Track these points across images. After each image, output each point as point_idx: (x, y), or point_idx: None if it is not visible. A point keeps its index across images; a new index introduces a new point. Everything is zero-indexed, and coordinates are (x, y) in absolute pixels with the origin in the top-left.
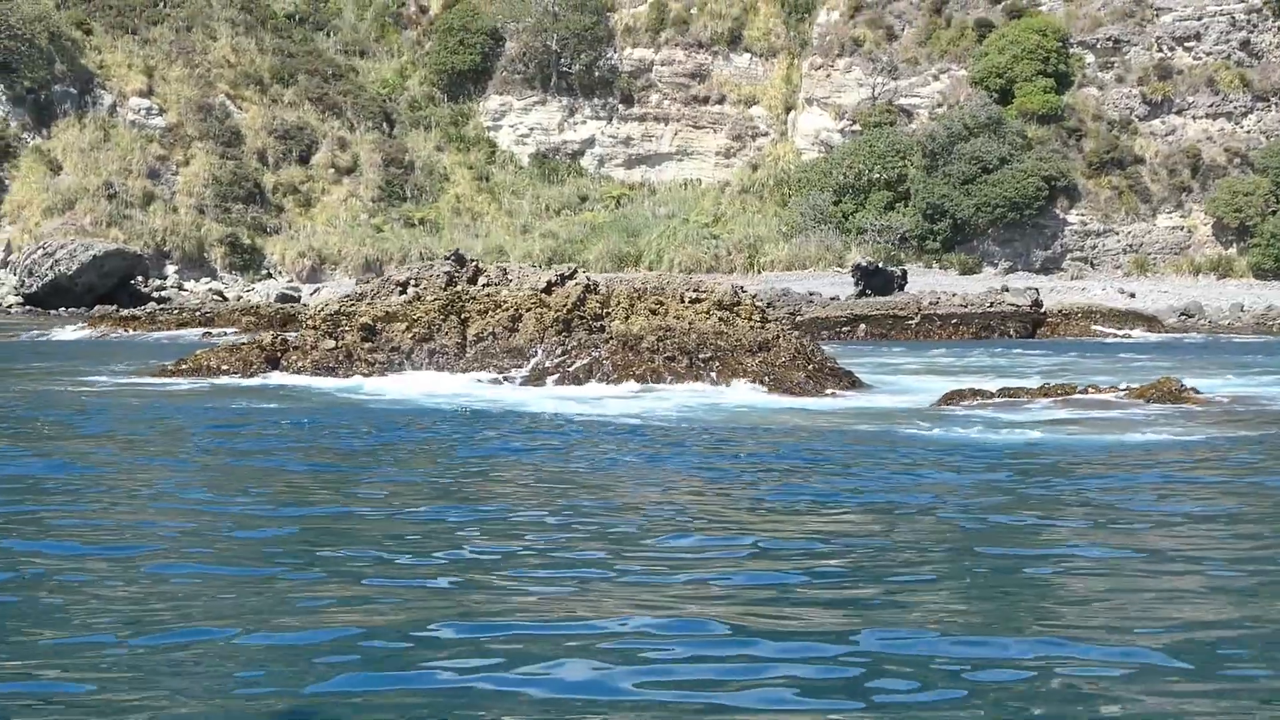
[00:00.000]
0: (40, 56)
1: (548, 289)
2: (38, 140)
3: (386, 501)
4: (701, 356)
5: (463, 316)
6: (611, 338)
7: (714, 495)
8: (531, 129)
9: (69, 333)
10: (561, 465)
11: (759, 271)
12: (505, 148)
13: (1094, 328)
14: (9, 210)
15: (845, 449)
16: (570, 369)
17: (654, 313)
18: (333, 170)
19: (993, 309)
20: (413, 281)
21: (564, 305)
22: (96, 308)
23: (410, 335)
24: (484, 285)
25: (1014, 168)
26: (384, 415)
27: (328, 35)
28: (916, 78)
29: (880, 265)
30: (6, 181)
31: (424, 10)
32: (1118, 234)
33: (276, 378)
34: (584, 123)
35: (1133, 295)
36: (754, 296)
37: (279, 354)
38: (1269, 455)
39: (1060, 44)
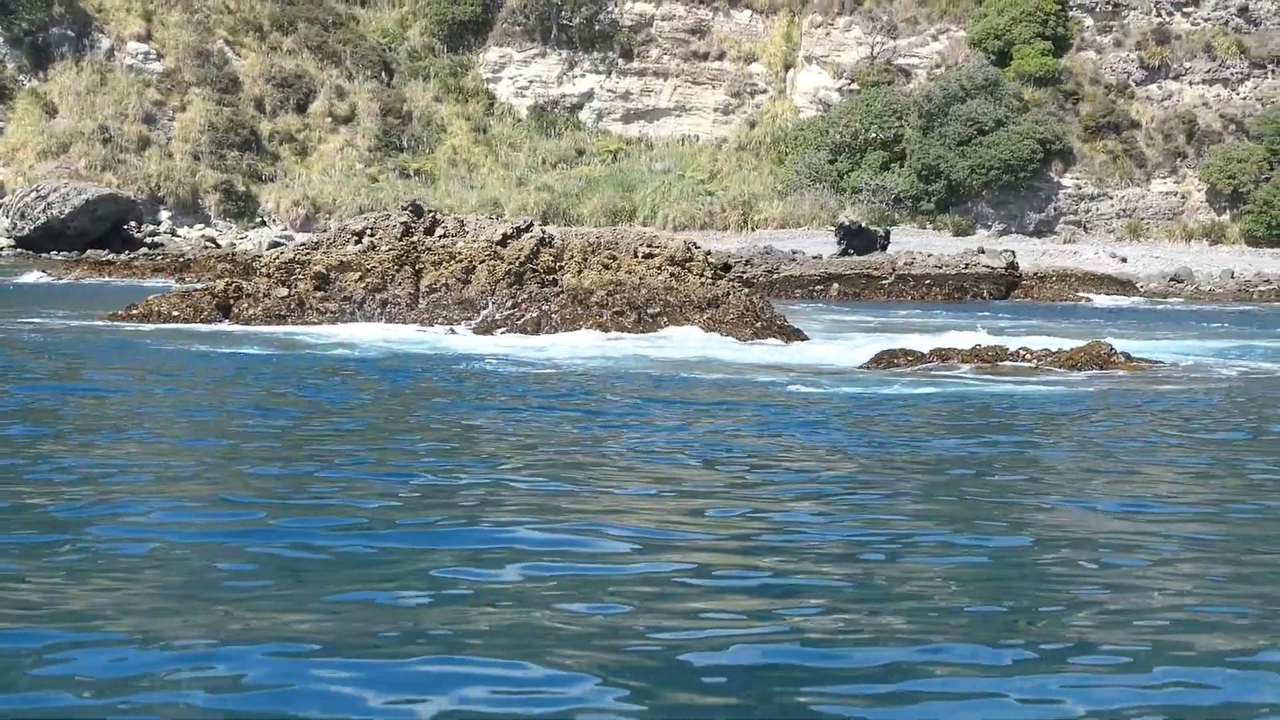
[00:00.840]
0: None
1: (503, 241)
2: (34, 83)
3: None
4: (650, 311)
5: (417, 268)
6: (562, 291)
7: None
8: (530, 82)
9: (33, 277)
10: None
11: (753, 229)
12: (504, 100)
13: (1070, 291)
14: (3, 152)
15: (724, 397)
16: (519, 321)
17: (606, 267)
18: (330, 119)
19: (968, 270)
20: (368, 231)
21: (516, 258)
22: (75, 253)
23: (363, 285)
24: (440, 237)
25: (1009, 130)
26: (322, 361)
27: None
28: (915, 38)
29: (863, 225)
30: (1, 124)
31: None
32: (1111, 198)
33: (226, 326)
34: (583, 76)
35: (1124, 260)
36: (708, 253)
37: (231, 301)
38: (1137, 416)
39: (1059, 6)
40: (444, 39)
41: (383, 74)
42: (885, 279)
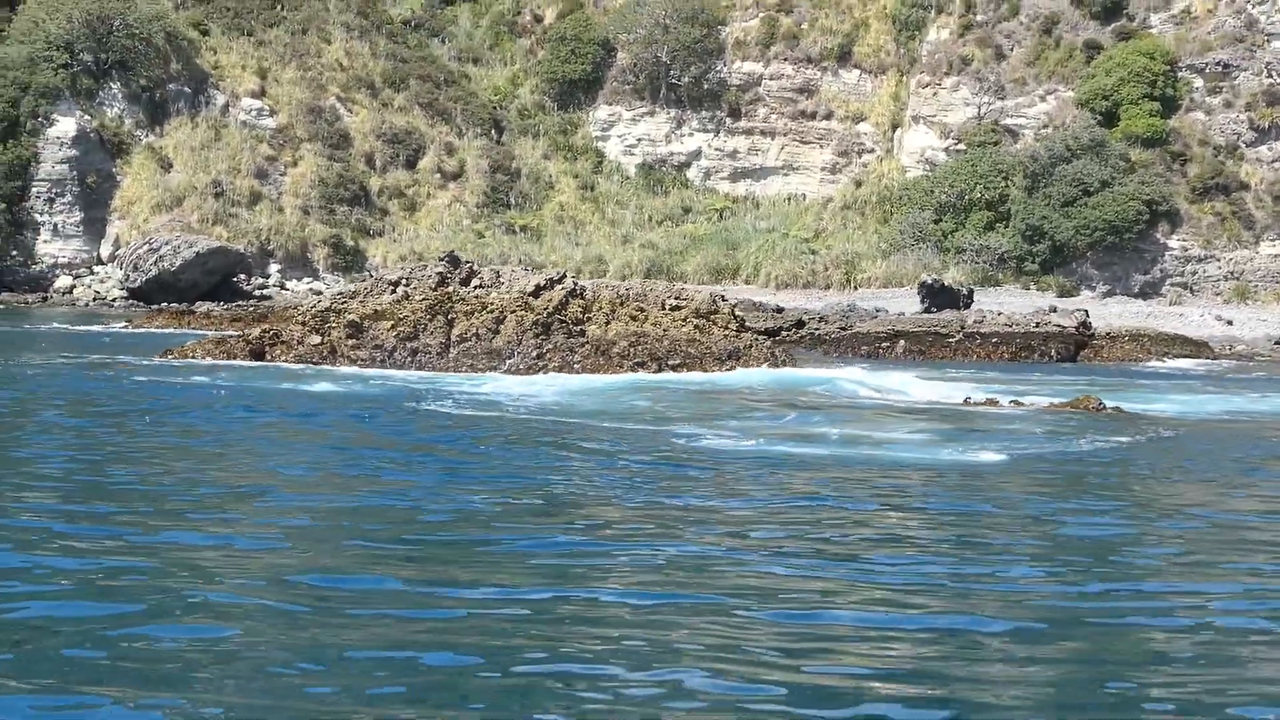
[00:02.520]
0: (156, 56)
1: (535, 293)
2: (150, 138)
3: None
4: (670, 362)
5: (449, 317)
6: (587, 342)
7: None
8: (639, 140)
9: (118, 326)
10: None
11: (855, 288)
12: (612, 158)
13: (1141, 353)
14: (120, 206)
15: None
16: (542, 370)
17: (634, 319)
18: (439, 175)
19: (1036, 329)
20: (404, 281)
21: (545, 309)
22: (185, 304)
23: (394, 334)
24: (476, 287)
25: (1115, 191)
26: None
27: (443, 42)
28: (1023, 98)
29: (945, 283)
30: (119, 178)
31: (539, 19)
32: (1219, 260)
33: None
34: (691, 135)
35: (1230, 322)
36: (734, 306)
37: (265, 348)
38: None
39: (1168, 67)
40: (554, 97)
41: (492, 131)
42: (952, 337)
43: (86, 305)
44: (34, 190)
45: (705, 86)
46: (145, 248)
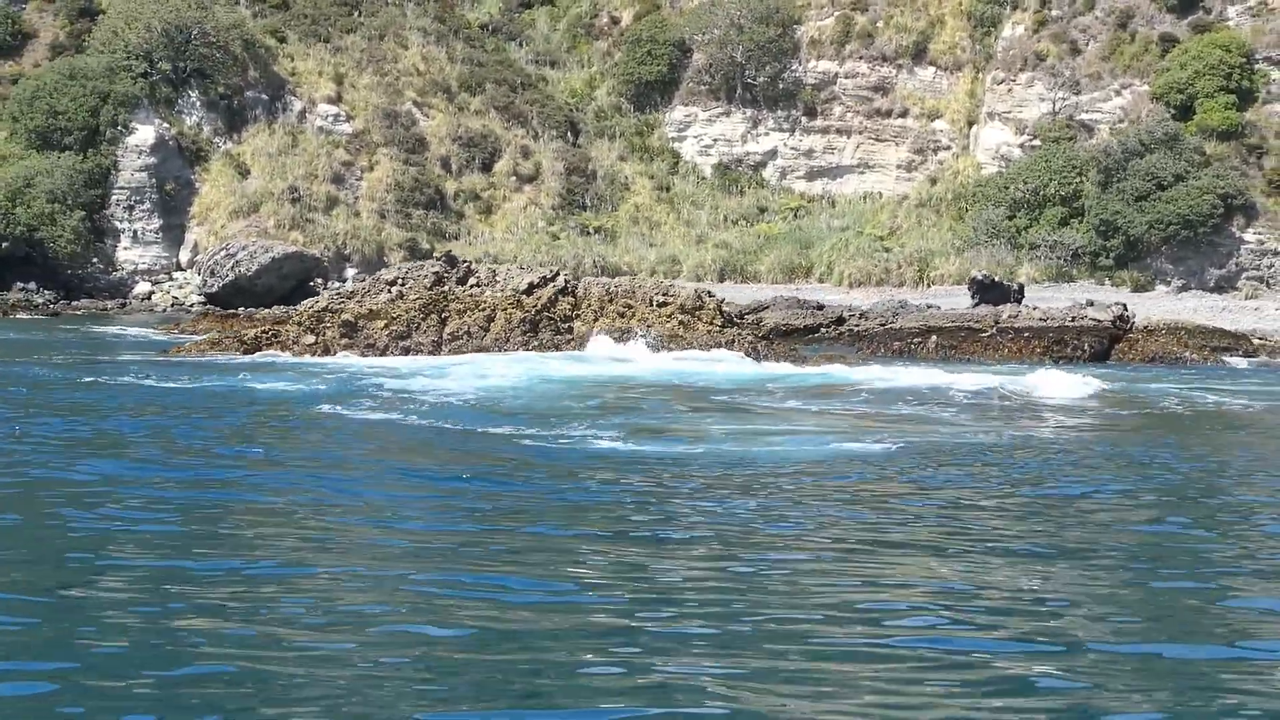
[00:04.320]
0: (234, 64)
1: (528, 290)
2: (228, 145)
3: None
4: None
5: (443, 315)
6: (572, 339)
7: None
8: (715, 140)
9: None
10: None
11: (928, 285)
12: (688, 158)
13: (1174, 348)
14: (198, 212)
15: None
16: None
17: (621, 315)
18: (514, 178)
19: (1071, 324)
20: (399, 280)
21: (534, 306)
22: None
23: (388, 332)
24: (472, 285)
25: (1189, 185)
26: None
27: (520, 46)
28: (1098, 93)
29: (995, 279)
30: (197, 184)
31: (615, 22)
32: None
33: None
34: (766, 134)
35: None
36: (721, 302)
37: (259, 347)
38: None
39: (1244, 60)
40: (631, 98)
41: (568, 133)
42: (985, 332)
43: (165, 311)
44: (114, 198)
45: (780, 86)
46: (222, 253)
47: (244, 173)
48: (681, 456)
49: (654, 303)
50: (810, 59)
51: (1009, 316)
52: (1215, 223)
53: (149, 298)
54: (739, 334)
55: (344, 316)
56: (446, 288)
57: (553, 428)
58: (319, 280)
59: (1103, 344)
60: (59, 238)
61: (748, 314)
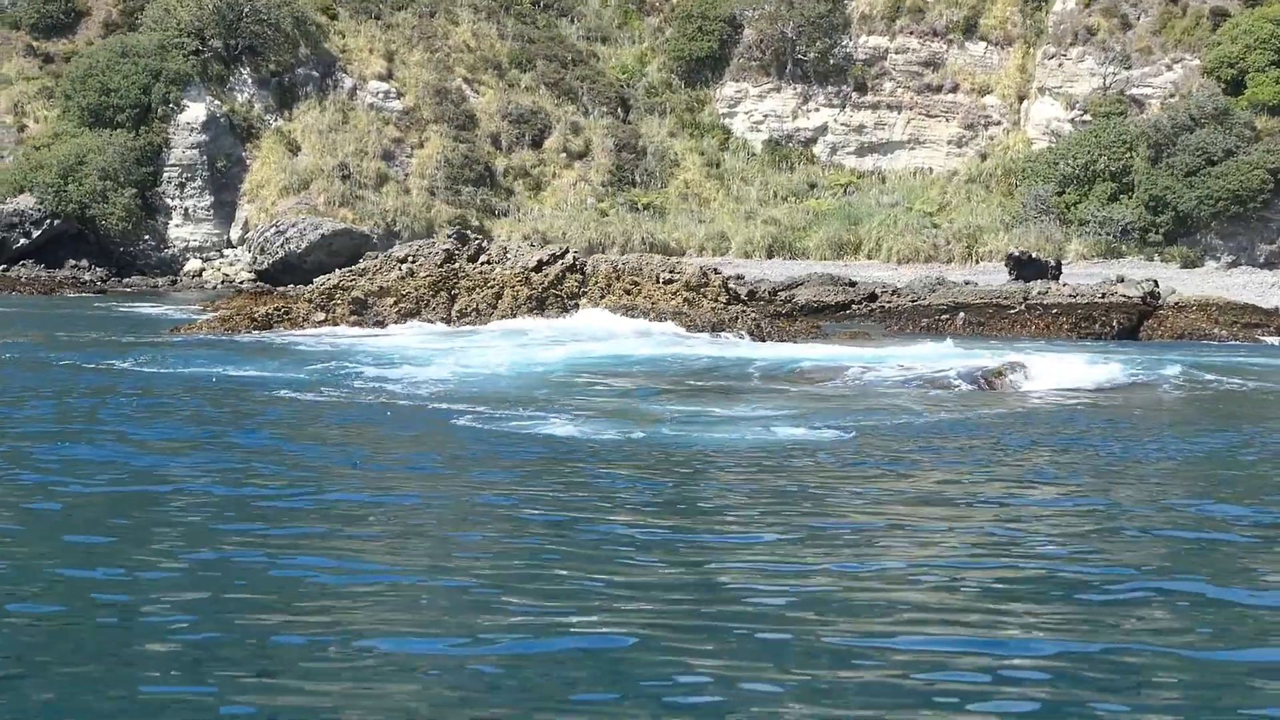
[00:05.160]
0: (285, 41)
1: (538, 268)
2: (279, 122)
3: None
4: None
5: (453, 293)
6: (578, 315)
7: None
8: (765, 116)
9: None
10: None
11: (977, 261)
12: (739, 134)
13: (1203, 324)
14: (249, 189)
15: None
16: None
17: (628, 292)
18: (564, 154)
19: (1101, 300)
20: (410, 258)
21: (541, 283)
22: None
23: (396, 310)
24: (483, 263)
25: (1239, 160)
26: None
27: (571, 22)
28: (1149, 67)
29: (1033, 255)
30: (248, 161)
31: None
32: None
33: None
34: (817, 110)
35: None
36: (725, 279)
37: (270, 324)
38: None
39: None
40: (682, 74)
41: (619, 109)
42: (1013, 309)
43: (215, 288)
44: (165, 175)
45: (831, 61)
46: (272, 230)
47: (294, 150)
48: (613, 442)
49: (660, 280)
50: (861, 34)
51: (1038, 293)
52: (1265, 198)
53: (200, 274)
54: (743, 311)
55: (354, 294)
56: (457, 265)
57: (492, 410)
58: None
59: (1131, 320)
60: (110, 215)
61: (781, 290)
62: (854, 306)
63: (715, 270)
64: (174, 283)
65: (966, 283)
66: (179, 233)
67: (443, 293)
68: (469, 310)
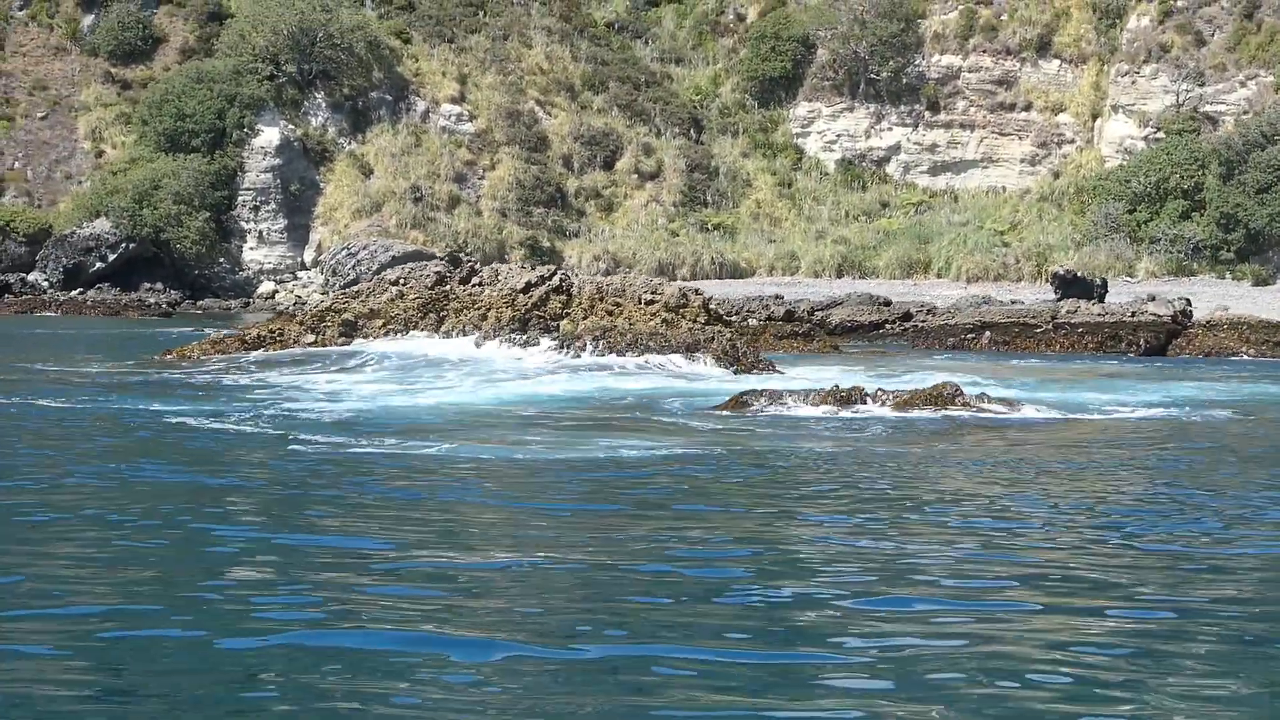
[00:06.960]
0: (359, 65)
1: (526, 289)
2: (353, 145)
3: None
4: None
5: (441, 314)
6: (557, 336)
7: None
8: (838, 135)
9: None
10: None
11: (1045, 280)
12: (812, 154)
13: (1233, 343)
14: (322, 212)
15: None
16: None
17: (610, 313)
18: (636, 175)
19: (1129, 319)
20: (402, 280)
21: (525, 305)
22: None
23: (384, 332)
24: (474, 285)
25: None
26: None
27: (646, 44)
28: (1223, 84)
29: (1079, 274)
30: (322, 184)
31: (741, 18)
32: None
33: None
34: (890, 129)
35: None
36: (706, 300)
37: (261, 347)
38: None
39: None
40: (755, 95)
41: (691, 130)
42: (1040, 327)
43: (287, 310)
44: (240, 199)
45: (904, 81)
46: (344, 252)
47: (367, 173)
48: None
49: (642, 301)
50: (933, 53)
51: (1067, 312)
52: None
53: (273, 296)
54: (718, 332)
55: (345, 316)
56: (448, 287)
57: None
58: None
59: (1159, 339)
60: (185, 238)
61: (820, 310)
62: (887, 326)
63: (696, 291)
64: (247, 305)
65: (1012, 301)
66: (253, 255)
67: (431, 314)
68: (454, 332)
